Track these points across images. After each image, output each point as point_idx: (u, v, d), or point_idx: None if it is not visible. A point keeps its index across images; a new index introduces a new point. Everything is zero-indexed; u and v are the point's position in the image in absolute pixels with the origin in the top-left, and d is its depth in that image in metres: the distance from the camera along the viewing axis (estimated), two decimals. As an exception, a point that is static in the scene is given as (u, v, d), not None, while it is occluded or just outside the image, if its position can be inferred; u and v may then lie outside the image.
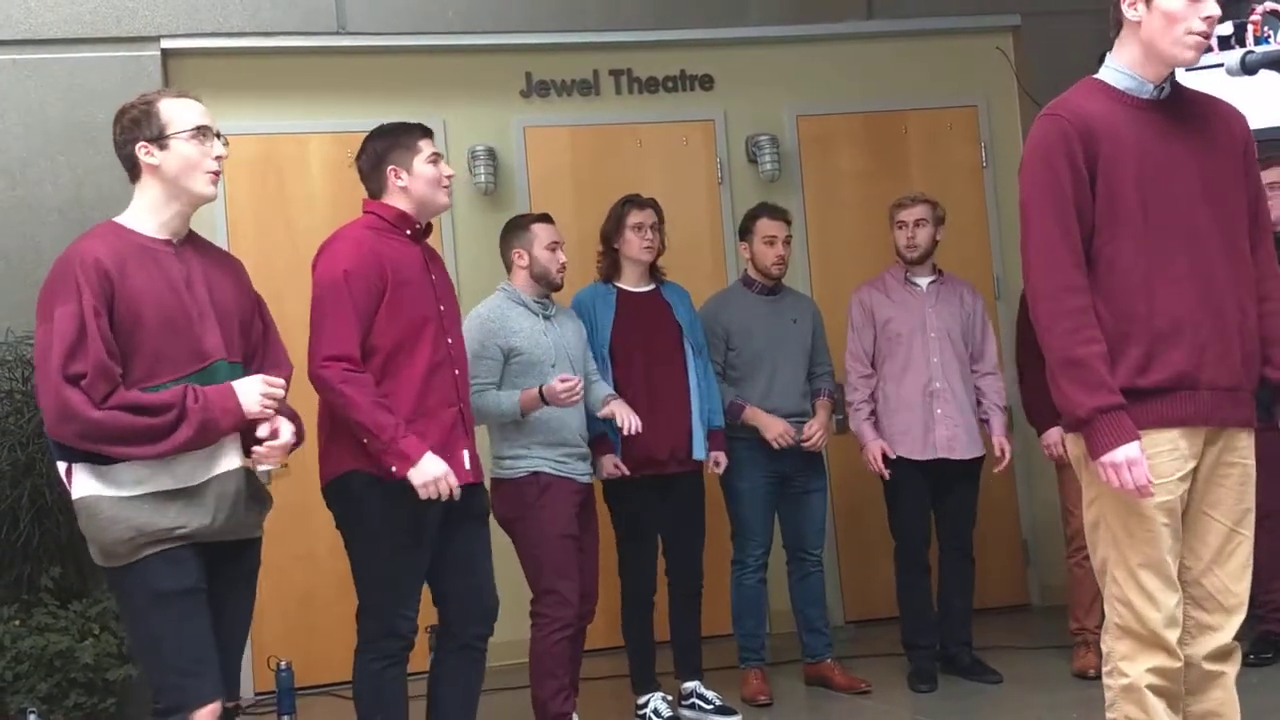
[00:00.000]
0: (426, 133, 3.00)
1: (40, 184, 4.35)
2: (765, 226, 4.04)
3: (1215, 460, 2.24)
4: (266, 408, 2.39)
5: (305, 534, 4.45)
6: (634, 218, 3.80)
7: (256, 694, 4.53)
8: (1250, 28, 4.42)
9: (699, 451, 3.77)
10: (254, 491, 2.50)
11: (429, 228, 3.04)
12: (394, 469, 2.73)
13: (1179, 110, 2.29)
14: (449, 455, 2.83)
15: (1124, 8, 2.25)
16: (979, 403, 4.09)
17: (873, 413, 4.06)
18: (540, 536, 3.32)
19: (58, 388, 2.25)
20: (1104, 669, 2.29)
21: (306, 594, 4.58)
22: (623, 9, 4.92)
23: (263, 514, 2.53)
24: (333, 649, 4.63)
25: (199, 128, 2.42)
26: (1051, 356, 2.20)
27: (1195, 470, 2.24)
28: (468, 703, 2.99)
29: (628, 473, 3.63)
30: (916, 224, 4.06)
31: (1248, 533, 2.28)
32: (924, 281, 4.12)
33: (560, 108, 5.02)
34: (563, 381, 3.24)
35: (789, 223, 4.10)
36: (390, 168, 2.93)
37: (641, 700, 3.76)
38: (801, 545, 4.05)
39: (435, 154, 2.98)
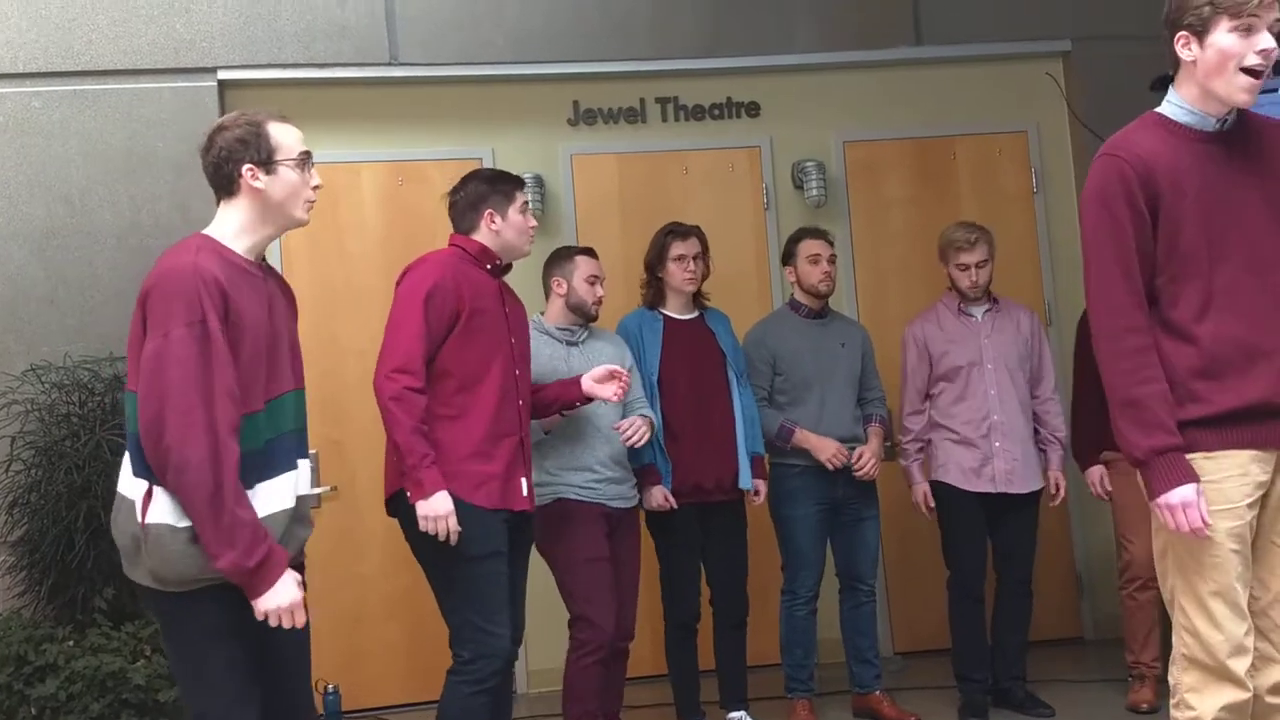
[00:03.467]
0: (521, 184, 3.19)
1: (99, 211, 4.45)
2: (809, 246, 4.04)
3: None
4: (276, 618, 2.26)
5: (354, 556, 4.49)
6: (676, 249, 3.82)
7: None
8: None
9: (745, 481, 3.75)
10: (299, 517, 2.50)
11: (509, 266, 3.15)
12: (409, 493, 2.83)
13: (1245, 139, 2.28)
14: (509, 482, 2.91)
15: (1177, 48, 2.25)
16: (1037, 432, 4.02)
17: (921, 450, 4.01)
18: (569, 562, 3.35)
19: (192, 412, 2.15)
20: (1171, 700, 2.26)
21: (355, 617, 4.61)
22: (670, 37, 4.95)
23: (305, 539, 2.52)
24: (381, 672, 4.67)
25: (303, 154, 2.41)
26: (1112, 396, 2.23)
27: (1265, 498, 2.21)
28: None
29: (675, 505, 3.63)
30: (978, 265, 3.99)
31: None
32: (979, 311, 4.06)
33: (607, 135, 5.06)
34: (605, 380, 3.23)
35: (831, 242, 4.09)
36: (488, 210, 3.09)
37: (687, 728, 3.74)
38: (855, 575, 4.01)
39: (526, 203, 3.13)
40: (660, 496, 3.62)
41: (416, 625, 4.42)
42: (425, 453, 2.82)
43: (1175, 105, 2.30)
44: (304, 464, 2.42)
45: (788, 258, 4.13)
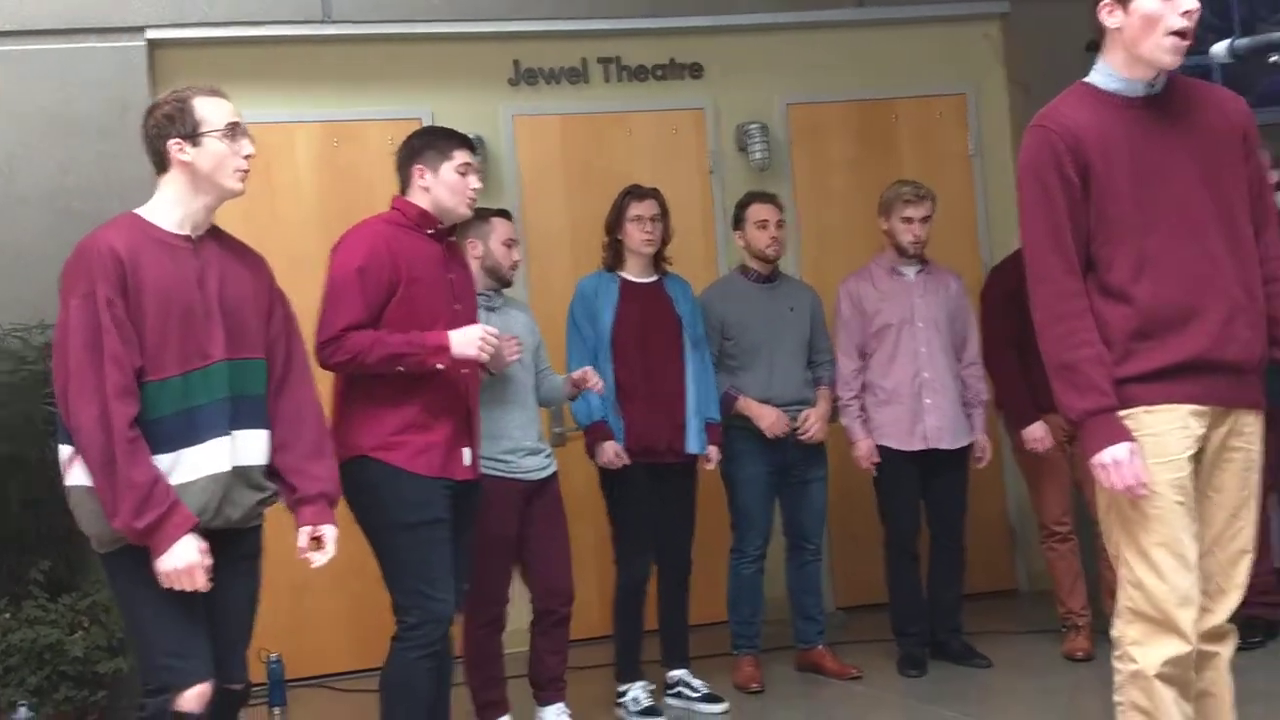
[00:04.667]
0: (466, 143, 3.08)
1: (24, 175, 4.31)
2: (757, 211, 4.04)
3: (1221, 443, 2.26)
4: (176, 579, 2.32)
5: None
6: (634, 209, 3.80)
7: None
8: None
9: (693, 445, 3.77)
10: (251, 483, 2.48)
11: (453, 228, 3.08)
12: (438, 365, 2.84)
13: (1173, 102, 2.30)
14: (451, 451, 2.89)
15: (1102, 16, 2.27)
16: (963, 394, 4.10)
17: (862, 408, 4.07)
18: (471, 537, 3.34)
19: (84, 377, 2.28)
20: (1114, 653, 2.28)
21: (299, 585, 4.56)
22: (612, -4, 4.91)
23: (264, 503, 2.53)
24: (325, 640, 4.64)
25: (231, 125, 2.48)
26: (1049, 361, 2.27)
27: (1201, 453, 2.25)
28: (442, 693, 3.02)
29: (628, 461, 3.63)
30: (922, 220, 4.06)
31: (1249, 518, 2.30)
32: (911, 271, 4.12)
33: (549, 96, 5.00)
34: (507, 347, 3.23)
35: (780, 207, 4.10)
36: (418, 166, 3.00)
37: (622, 689, 3.76)
38: (802, 534, 4.06)
39: (466, 164, 3.02)
40: (611, 452, 3.62)
41: (361, 593, 4.38)
42: (407, 337, 2.83)
43: (1103, 74, 2.32)
44: (249, 434, 2.45)
45: (736, 222, 4.13)
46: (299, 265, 4.53)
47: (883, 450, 4.03)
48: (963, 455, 4.09)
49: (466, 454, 2.95)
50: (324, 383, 2.88)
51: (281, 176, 4.76)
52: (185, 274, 2.41)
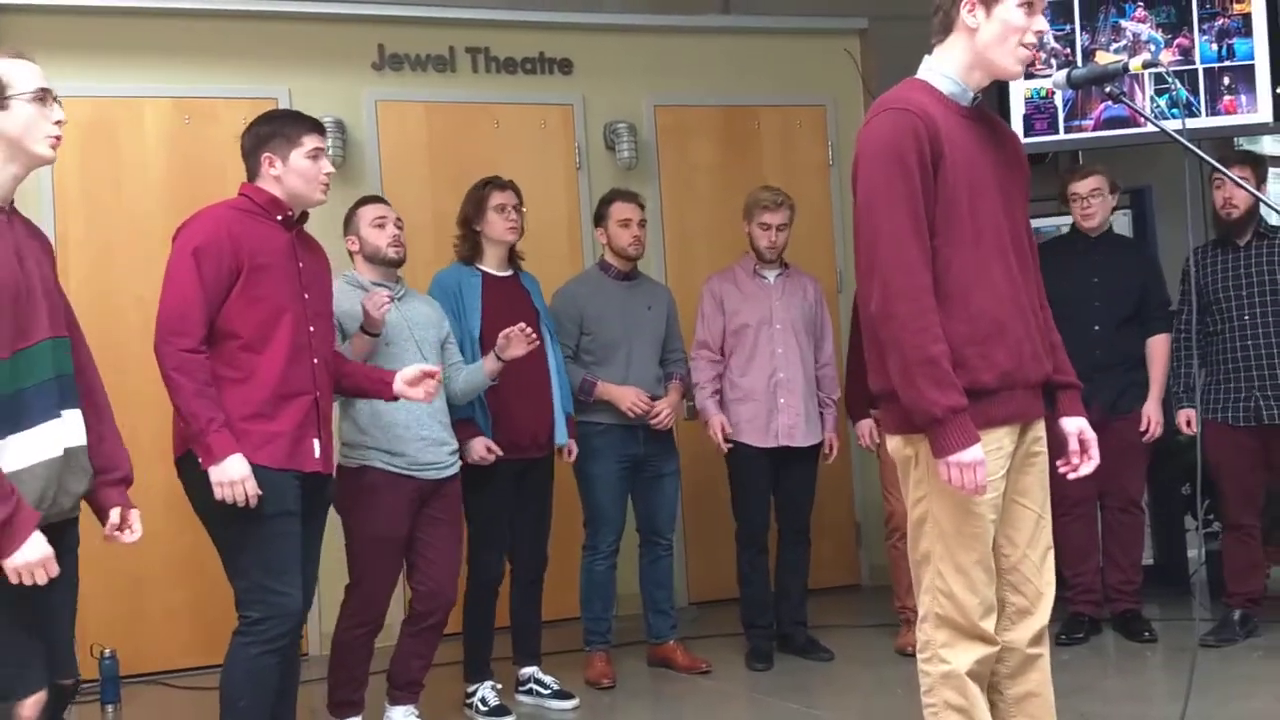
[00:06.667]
0: (315, 127, 2.96)
1: None
2: (620, 210, 4.07)
3: (1025, 452, 2.34)
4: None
5: (133, 516, 4.25)
6: (496, 199, 3.76)
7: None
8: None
9: (561, 437, 3.78)
10: (73, 468, 2.37)
11: (304, 215, 2.98)
12: (200, 459, 2.70)
13: (985, 123, 2.35)
14: (299, 443, 2.80)
15: (963, 12, 2.26)
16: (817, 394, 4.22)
17: (717, 392, 4.15)
18: (360, 535, 3.30)
19: None
20: (921, 655, 2.32)
21: (134, 579, 4.38)
22: (482, -15, 4.86)
23: (81, 492, 2.41)
24: (163, 635, 4.47)
25: (40, 90, 2.33)
26: (906, 356, 2.17)
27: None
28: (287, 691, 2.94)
29: (500, 454, 3.60)
30: (779, 228, 4.16)
31: (1049, 517, 2.39)
32: (771, 275, 4.23)
33: (414, 83, 4.92)
34: (370, 299, 3.18)
35: (642, 206, 4.14)
36: (266, 155, 2.89)
37: (471, 689, 3.73)
38: (654, 530, 4.10)
39: (317, 149, 2.93)
40: (482, 448, 3.57)
41: (201, 587, 4.24)
42: (212, 416, 2.68)
43: (940, 74, 2.30)
44: (72, 414, 2.35)
45: (599, 219, 4.15)
46: (145, 243, 4.39)
47: (737, 446, 4.12)
48: (813, 452, 4.21)
49: (316, 445, 2.86)
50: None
51: (129, 153, 4.57)
52: (9, 249, 2.27)
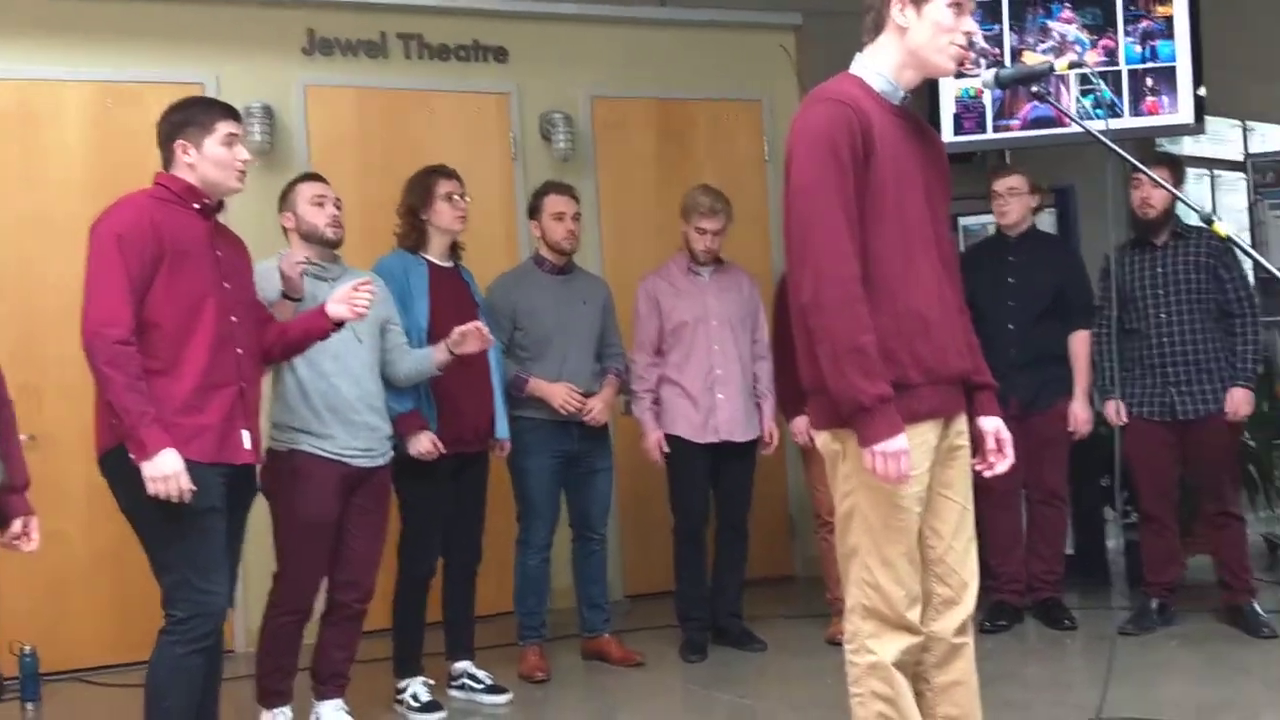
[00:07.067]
0: (229, 114, 2.90)
1: None
2: (553, 203, 4.04)
3: (948, 445, 2.38)
4: None
5: (55, 511, 4.10)
6: (444, 187, 3.72)
7: (-5, 681, 4.20)
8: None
9: (502, 430, 3.76)
10: None
11: (221, 204, 2.92)
12: (132, 455, 2.64)
13: (909, 121, 2.39)
14: (228, 435, 2.76)
15: (893, 11, 2.29)
16: (754, 387, 4.25)
17: (655, 401, 4.16)
18: (288, 520, 3.25)
19: None
20: (849, 646, 2.34)
21: (55, 576, 4.27)
22: (413, -30, 4.80)
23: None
24: (85, 633, 4.36)
25: None
26: (835, 344, 2.18)
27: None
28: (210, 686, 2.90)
29: (444, 451, 3.56)
30: (715, 234, 4.17)
31: (972, 509, 2.44)
32: (706, 272, 4.24)
33: (345, 68, 4.85)
34: (284, 263, 3.14)
35: (577, 199, 4.11)
36: (180, 142, 2.84)
37: (401, 685, 3.70)
38: (588, 524, 4.10)
39: (232, 135, 2.87)
40: (428, 443, 3.53)
41: (123, 583, 4.15)
42: (144, 410, 2.62)
43: (871, 71, 2.33)
44: None
45: (533, 211, 4.12)
46: (66, 230, 4.25)
47: (675, 441, 4.13)
48: (751, 447, 4.24)
49: (245, 436, 2.82)
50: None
51: (50, 137, 4.44)
52: None
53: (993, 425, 2.43)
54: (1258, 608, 4.11)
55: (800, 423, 4.22)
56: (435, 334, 3.58)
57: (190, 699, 2.75)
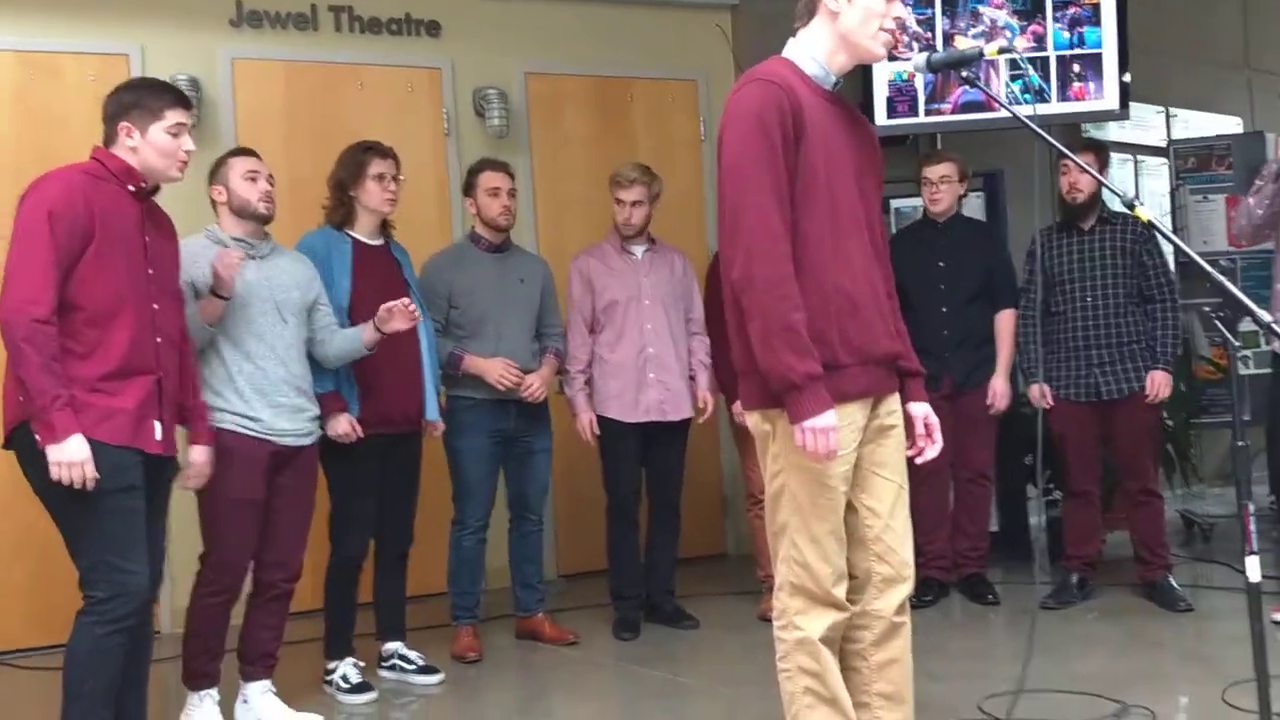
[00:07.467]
0: (181, 101, 2.85)
1: None
2: (488, 179, 4.00)
3: (879, 425, 2.42)
4: None
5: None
6: (376, 167, 3.65)
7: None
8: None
9: (432, 411, 3.72)
10: None
11: (156, 188, 2.85)
12: (38, 436, 2.58)
13: (844, 108, 2.42)
14: (141, 422, 2.71)
15: None
16: (689, 362, 4.26)
17: (587, 382, 4.15)
18: (214, 499, 3.19)
19: None
20: (777, 623, 2.37)
21: (-31, 558, 4.17)
22: (344, -58, 4.71)
23: None
24: (2, 615, 4.26)
25: None
26: (767, 322, 2.20)
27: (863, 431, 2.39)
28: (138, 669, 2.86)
29: (361, 435, 3.52)
30: (634, 204, 4.16)
31: (908, 488, 2.48)
32: (639, 250, 4.24)
33: (274, 41, 4.75)
34: (220, 258, 3.10)
35: (512, 175, 4.08)
36: (125, 124, 2.77)
37: (331, 666, 3.67)
38: (525, 505, 4.09)
39: (179, 125, 2.81)
40: (346, 424, 3.49)
41: (40, 563, 4.05)
42: (57, 394, 2.55)
43: (803, 56, 2.35)
44: None
45: (468, 188, 4.08)
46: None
47: (607, 421, 4.13)
48: (683, 427, 4.25)
49: (157, 427, 2.75)
50: None
51: (-38, 105, 4.28)
52: None
53: (921, 411, 2.47)
54: (1173, 582, 4.25)
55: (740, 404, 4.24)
56: (358, 313, 3.53)
57: (111, 680, 2.70)
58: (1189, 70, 6.95)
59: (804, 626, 2.33)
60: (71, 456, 2.57)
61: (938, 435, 2.47)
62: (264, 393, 3.23)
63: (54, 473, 2.57)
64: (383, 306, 3.40)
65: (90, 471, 2.59)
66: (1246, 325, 4.78)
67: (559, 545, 5.12)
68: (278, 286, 3.32)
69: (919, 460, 2.47)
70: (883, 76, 5.08)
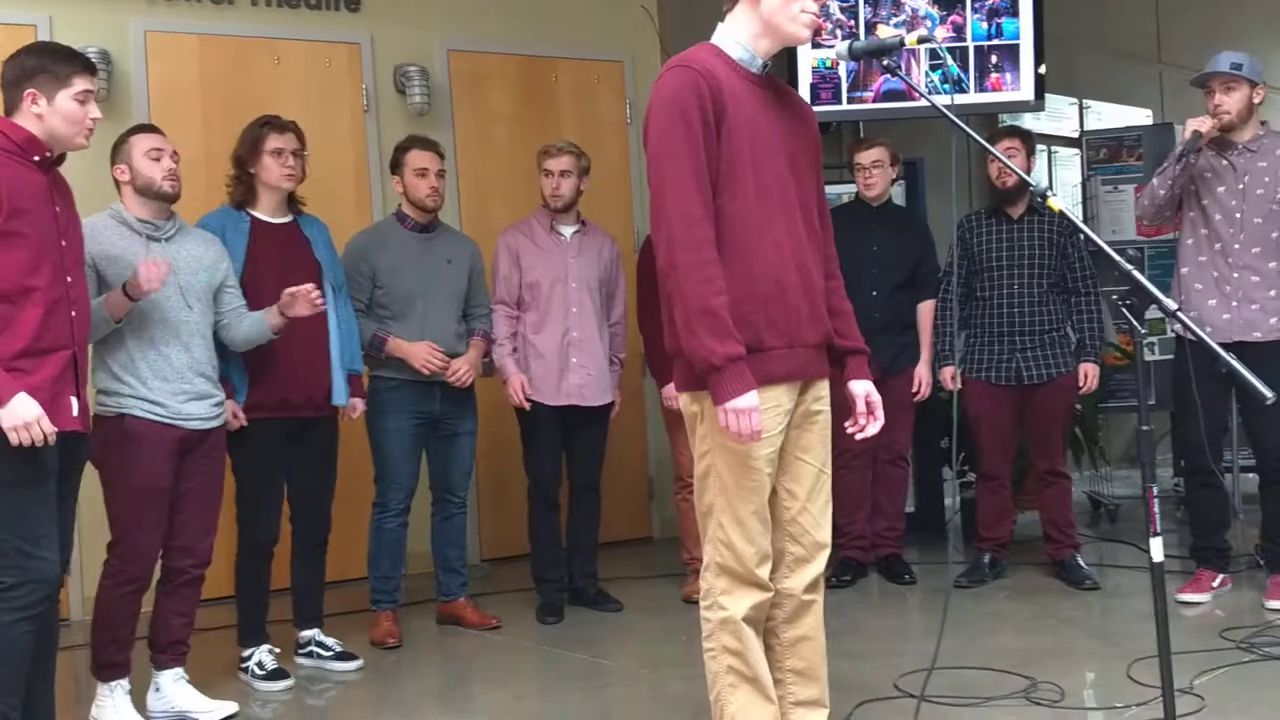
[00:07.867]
0: (87, 67, 2.75)
1: None
2: (416, 158, 3.94)
3: (805, 410, 2.45)
4: None
5: None
6: (273, 142, 3.56)
7: None
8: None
9: (339, 397, 3.64)
10: None
11: (62, 158, 2.76)
12: None
13: (774, 91, 2.44)
14: (56, 399, 2.62)
15: None
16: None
17: (516, 350, 4.13)
18: (121, 486, 3.12)
19: None
20: (703, 603, 2.41)
21: None
22: (260, -89, 4.59)
23: None
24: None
25: None
26: (687, 306, 2.23)
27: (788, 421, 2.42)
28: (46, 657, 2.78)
29: (244, 423, 3.45)
30: (561, 174, 4.13)
31: (829, 473, 2.53)
32: (568, 231, 4.21)
33: (188, 13, 4.61)
34: (146, 268, 3.00)
35: (441, 155, 4.02)
36: (30, 91, 2.67)
37: (246, 653, 3.60)
38: (448, 487, 4.05)
39: (86, 92, 2.72)
40: (229, 413, 3.40)
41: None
42: None
43: (729, 41, 2.37)
44: None
45: (395, 166, 4.01)
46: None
47: (531, 404, 4.11)
48: (604, 410, 4.26)
49: (74, 403, 2.68)
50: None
51: None
52: None
53: (863, 389, 2.50)
54: (1080, 561, 4.39)
55: (671, 389, 4.26)
56: (254, 294, 3.44)
57: (21, 668, 2.62)
58: (1102, 63, 7.14)
59: (728, 606, 2.36)
60: (25, 416, 2.52)
61: (879, 413, 2.50)
62: (167, 379, 3.15)
63: (13, 439, 2.51)
64: (285, 291, 3.32)
65: (48, 426, 2.55)
66: (1153, 313, 4.93)
67: (482, 530, 5.09)
68: (184, 270, 3.23)
69: (859, 437, 2.49)
70: (807, 63, 5.12)
